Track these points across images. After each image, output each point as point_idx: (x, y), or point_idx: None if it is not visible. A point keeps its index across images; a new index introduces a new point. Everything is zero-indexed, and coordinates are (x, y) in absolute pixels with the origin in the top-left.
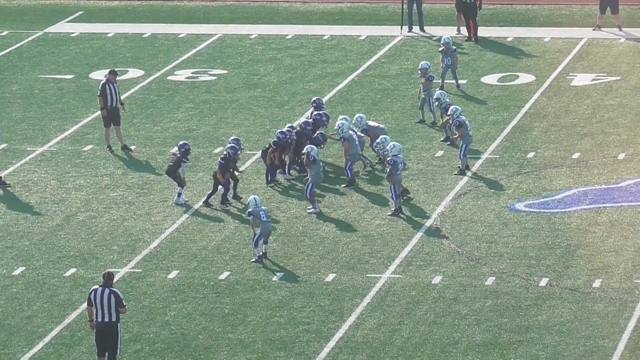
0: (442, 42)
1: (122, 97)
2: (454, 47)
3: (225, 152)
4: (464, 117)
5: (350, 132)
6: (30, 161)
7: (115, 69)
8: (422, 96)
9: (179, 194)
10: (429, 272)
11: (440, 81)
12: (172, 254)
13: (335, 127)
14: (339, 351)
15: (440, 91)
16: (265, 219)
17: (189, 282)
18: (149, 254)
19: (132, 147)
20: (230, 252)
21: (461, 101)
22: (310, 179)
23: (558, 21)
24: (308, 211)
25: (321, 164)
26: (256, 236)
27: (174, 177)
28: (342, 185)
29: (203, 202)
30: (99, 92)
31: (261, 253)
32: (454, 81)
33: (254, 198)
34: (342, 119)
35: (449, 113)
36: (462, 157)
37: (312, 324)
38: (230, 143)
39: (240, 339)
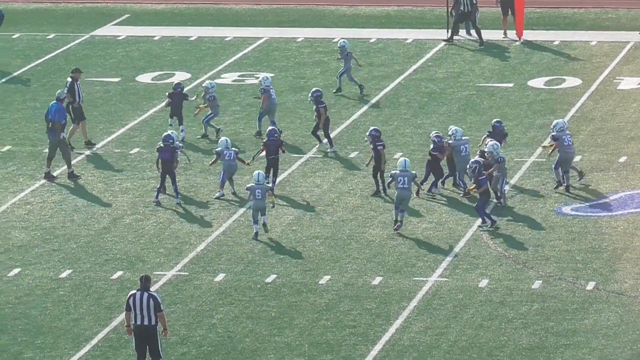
0: (338, 45)
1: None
2: (349, 51)
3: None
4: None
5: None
6: (77, 164)
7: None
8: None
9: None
10: (476, 276)
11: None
12: (218, 257)
13: (449, 133)
14: (386, 354)
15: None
16: (258, 197)
17: (235, 285)
18: (196, 257)
19: (96, 144)
20: (276, 255)
21: (507, 105)
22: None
23: (604, 25)
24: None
25: None
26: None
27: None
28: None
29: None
30: (67, 89)
31: (257, 229)
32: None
33: (258, 173)
34: (453, 129)
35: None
36: (503, 191)
37: (358, 327)
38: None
39: (287, 342)
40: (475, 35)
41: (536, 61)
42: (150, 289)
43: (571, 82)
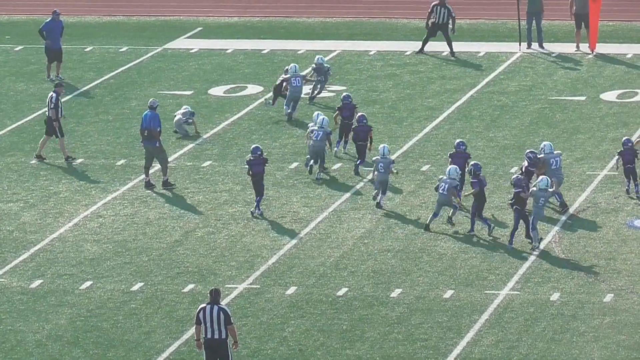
0: (315, 61)
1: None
2: (327, 66)
3: None
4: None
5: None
6: (150, 177)
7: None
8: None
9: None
10: (547, 289)
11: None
12: (290, 270)
13: (540, 147)
14: None
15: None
16: (382, 171)
17: (307, 298)
18: (267, 270)
19: (75, 159)
20: (348, 268)
21: (580, 118)
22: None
23: None
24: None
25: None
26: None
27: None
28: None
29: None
30: (52, 104)
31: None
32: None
33: (384, 147)
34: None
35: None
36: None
37: (429, 340)
38: None
39: (358, 356)
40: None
41: (609, 74)
42: (221, 302)
43: None
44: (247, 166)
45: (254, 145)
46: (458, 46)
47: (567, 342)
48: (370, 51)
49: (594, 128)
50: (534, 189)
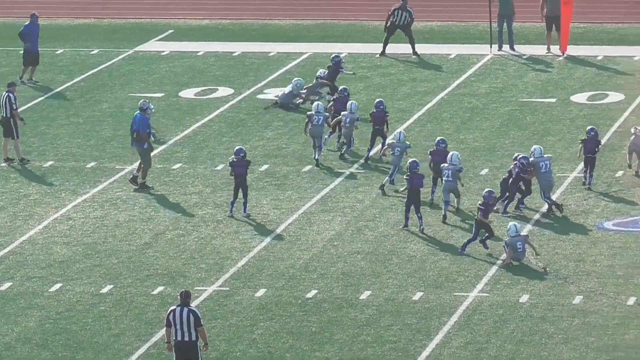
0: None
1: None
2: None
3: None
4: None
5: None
6: (120, 179)
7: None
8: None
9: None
10: (517, 291)
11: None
12: (259, 272)
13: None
14: None
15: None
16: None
17: (276, 300)
18: (237, 272)
19: (30, 161)
20: (317, 270)
21: (550, 120)
22: None
23: None
24: None
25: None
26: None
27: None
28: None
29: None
30: (15, 105)
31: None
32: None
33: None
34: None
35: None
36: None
37: (399, 342)
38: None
39: (327, 358)
40: (512, 49)
41: (579, 76)
42: (191, 305)
43: (614, 97)
44: (229, 167)
45: (237, 147)
46: (429, 48)
47: (536, 343)
48: (342, 53)
49: (564, 130)
50: (507, 238)
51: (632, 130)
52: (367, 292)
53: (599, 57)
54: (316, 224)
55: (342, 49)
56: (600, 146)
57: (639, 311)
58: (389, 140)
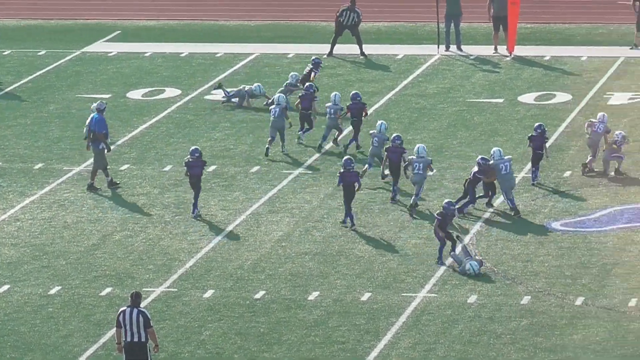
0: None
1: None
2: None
3: None
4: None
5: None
6: (67, 180)
7: None
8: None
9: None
10: (465, 291)
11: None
12: (207, 273)
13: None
14: None
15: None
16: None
17: (224, 301)
18: (185, 273)
19: None
20: (266, 271)
21: (498, 120)
22: None
23: (595, 40)
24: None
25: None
26: None
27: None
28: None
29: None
30: None
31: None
32: None
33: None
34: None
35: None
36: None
37: (347, 343)
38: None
39: (276, 359)
40: (459, 49)
41: (527, 77)
42: (141, 306)
43: (562, 97)
44: (185, 167)
45: (193, 147)
46: (377, 49)
47: (485, 344)
48: (289, 54)
49: (512, 130)
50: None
51: (587, 123)
52: (316, 293)
53: (547, 58)
54: (264, 224)
55: (290, 49)
56: (547, 142)
57: (587, 311)
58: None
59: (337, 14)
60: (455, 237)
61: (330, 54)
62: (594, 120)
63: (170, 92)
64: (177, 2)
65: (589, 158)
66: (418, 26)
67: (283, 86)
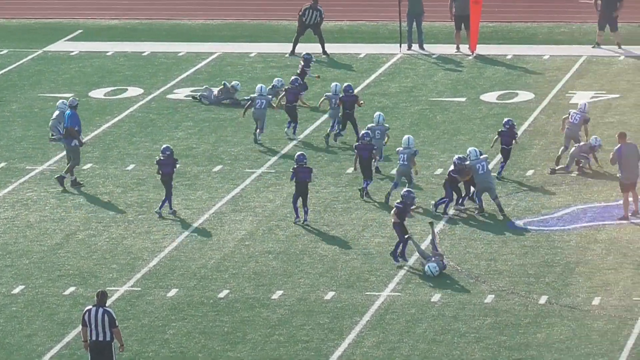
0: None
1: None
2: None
3: None
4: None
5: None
6: (30, 180)
7: None
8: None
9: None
10: (429, 290)
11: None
12: (171, 272)
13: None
14: None
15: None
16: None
17: (188, 300)
18: (148, 273)
19: None
20: (229, 270)
21: (460, 119)
22: None
23: (557, 39)
24: None
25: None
26: None
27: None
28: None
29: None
30: None
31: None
32: None
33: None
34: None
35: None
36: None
37: (311, 342)
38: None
39: (240, 358)
40: (422, 48)
41: (489, 75)
42: (107, 305)
43: (524, 96)
44: (156, 165)
45: (164, 146)
46: (339, 48)
47: (449, 343)
48: (251, 53)
49: (474, 129)
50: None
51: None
52: (279, 292)
53: (509, 56)
54: (227, 223)
55: (252, 48)
56: (517, 137)
57: (551, 310)
58: (398, 148)
59: (300, 13)
60: (405, 238)
61: (292, 53)
62: (573, 110)
63: (133, 91)
64: (139, 1)
65: (562, 149)
66: (380, 25)
67: (269, 89)
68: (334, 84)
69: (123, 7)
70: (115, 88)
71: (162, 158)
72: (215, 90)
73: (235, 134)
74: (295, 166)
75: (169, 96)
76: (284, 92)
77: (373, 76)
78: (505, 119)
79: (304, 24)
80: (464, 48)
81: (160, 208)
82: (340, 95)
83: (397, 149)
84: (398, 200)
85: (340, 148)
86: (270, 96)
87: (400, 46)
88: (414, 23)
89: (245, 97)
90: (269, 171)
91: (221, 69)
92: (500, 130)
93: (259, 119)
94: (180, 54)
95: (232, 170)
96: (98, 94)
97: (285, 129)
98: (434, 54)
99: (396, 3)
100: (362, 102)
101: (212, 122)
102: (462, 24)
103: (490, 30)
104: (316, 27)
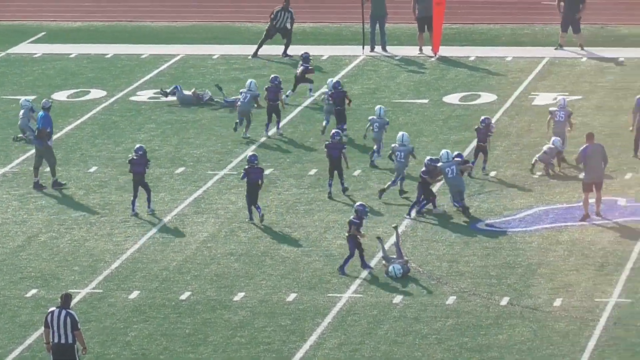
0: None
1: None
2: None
3: None
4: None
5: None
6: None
7: None
8: None
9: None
10: (390, 292)
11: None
12: (133, 275)
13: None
14: None
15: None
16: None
17: (150, 302)
18: (110, 275)
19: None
20: (191, 272)
21: (423, 121)
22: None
23: (520, 40)
24: None
25: None
26: None
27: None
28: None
29: None
30: None
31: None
32: None
33: (402, 134)
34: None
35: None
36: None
37: (273, 344)
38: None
39: (202, 359)
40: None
41: (452, 77)
42: (70, 308)
43: (487, 97)
44: (129, 165)
45: (137, 145)
46: (301, 49)
47: (410, 344)
48: (214, 55)
49: (437, 131)
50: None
51: (549, 116)
52: (241, 294)
53: (472, 58)
54: (189, 225)
55: (215, 50)
56: (493, 131)
57: (512, 311)
58: (393, 145)
59: (272, 15)
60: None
61: (255, 54)
62: (553, 108)
63: (96, 93)
64: (102, 3)
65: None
66: (343, 27)
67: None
68: (329, 79)
69: (86, 10)
70: (78, 90)
71: (134, 157)
72: (190, 92)
73: (198, 136)
74: (247, 166)
75: (132, 98)
76: (265, 91)
77: (336, 78)
78: (482, 117)
79: (274, 28)
80: (427, 50)
81: (149, 207)
82: (331, 92)
83: (392, 145)
84: (353, 216)
85: (306, 150)
86: (258, 93)
87: (363, 48)
88: (377, 25)
89: (231, 99)
90: (231, 173)
91: (184, 71)
92: (476, 127)
93: (244, 114)
94: (143, 56)
95: (195, 172)
96: (61, 96)
97: (265, 131)
98: (396, 56)
99: (359, 5)
100: (349, 101)
101: (175, 124)
102: (425, 26)
103: (453, 32)
104: (286, 30)
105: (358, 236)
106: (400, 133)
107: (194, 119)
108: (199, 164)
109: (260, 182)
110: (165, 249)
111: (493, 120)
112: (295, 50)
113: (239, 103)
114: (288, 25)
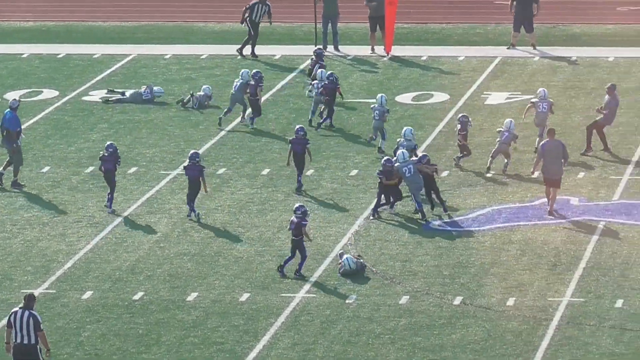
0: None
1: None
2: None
3: None
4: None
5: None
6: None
7: None
8: None
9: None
10: (343, 291)
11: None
12: (86, 275)
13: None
14: None
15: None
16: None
17: (103, 302)
18: (63, 275)
19: None
20: (144, 272)
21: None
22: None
23: (472, 40)
24: None
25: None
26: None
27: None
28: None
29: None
30: None
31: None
32: None
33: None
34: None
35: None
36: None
37: (226, 343)
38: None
39: (155, 359)
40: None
41: (404, 76)
42: (33, 309)
43: (439, 97)
44: (100, 162)
45: (108, 142)
46: (257, 49)
47: (363, 344)
48: (166, 55)
49: (389, 130)
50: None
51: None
52: (194, 294)
53: (424, 58)
54: (142, 225)
55: (167, 50)
56: (470, 125)
57: (465, 311)
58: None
59: (248, 10)
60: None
61: (253, 54)
62: (535, 99)
63: (48, 93)
64: (54, 3)
65: (537, 139)
66: (295, 26)
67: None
68: (320, 70)
69: (38, 9)
70: (31, 90)
71: (105, 154)
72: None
73: (150, 136)
74: (187, 163)
75: (84, 98)
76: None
77: (288, 78)
78: (460, 114)
79: (254, 23)
80: (379, 49)
81: (110, 206)
82: (324, 83)
83: (398, 139)
84: (299, 217)
85: (259, 150)
86: (252, 82)
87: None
88: (329, 24)
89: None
90: (183, 173)
91: (136, 70)
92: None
93: (236, 102)
94: (95, 56)
95: (147, 172)
96: (13, 96)
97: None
98: (349, 55)
99: (311, 4)
100: (341, 95)
101: (127, 124)
102: (377, 25)
103: (406, 32)
104: (256, 26)
105: (305, 238)
106: (405, 128)
107: (147, 119)
108: (152, 164)
109: (200, 179)
110: (118, 249)
111: (446, 120)
112: (248, 49)
113: (231, 92)
114: (268, 19)
